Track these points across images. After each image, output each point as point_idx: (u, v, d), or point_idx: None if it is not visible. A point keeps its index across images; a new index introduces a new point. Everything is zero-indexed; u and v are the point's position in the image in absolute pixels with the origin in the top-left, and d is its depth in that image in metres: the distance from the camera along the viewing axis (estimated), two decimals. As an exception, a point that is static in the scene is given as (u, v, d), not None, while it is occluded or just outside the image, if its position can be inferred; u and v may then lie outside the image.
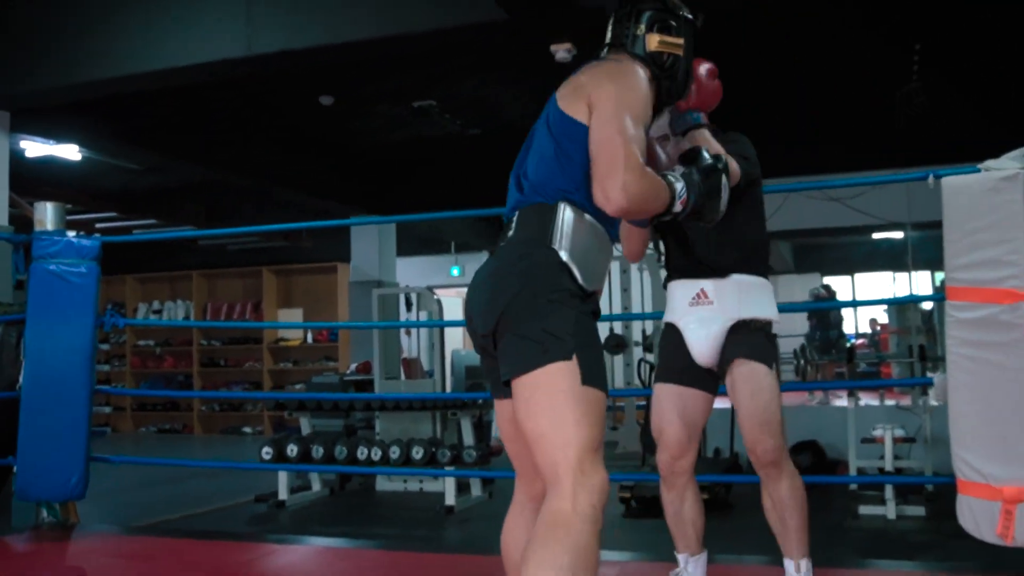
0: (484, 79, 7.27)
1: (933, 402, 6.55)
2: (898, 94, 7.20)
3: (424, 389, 8.46)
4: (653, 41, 2.35)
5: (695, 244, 2.96)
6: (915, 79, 6.95)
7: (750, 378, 2.83)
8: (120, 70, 5.68)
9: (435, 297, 8.41)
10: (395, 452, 7.02)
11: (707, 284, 2.93)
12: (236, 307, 14.39)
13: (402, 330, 10.36)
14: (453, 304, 14.69)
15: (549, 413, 2.02)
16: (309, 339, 13.97)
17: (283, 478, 7.21)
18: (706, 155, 2.39)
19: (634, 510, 6.48)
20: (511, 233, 2.21)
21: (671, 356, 3.01)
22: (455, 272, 13.84)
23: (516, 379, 2.06)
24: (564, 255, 2.13)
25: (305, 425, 7.96)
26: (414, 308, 9.36)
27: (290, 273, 14.34)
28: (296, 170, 9.21)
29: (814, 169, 7.94)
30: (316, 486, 7.69)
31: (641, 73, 2.28)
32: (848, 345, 10.56)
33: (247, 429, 13.86)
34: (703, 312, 2.93)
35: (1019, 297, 3.13)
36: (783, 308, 3.15)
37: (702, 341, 2.93)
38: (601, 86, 2.17)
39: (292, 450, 7.22)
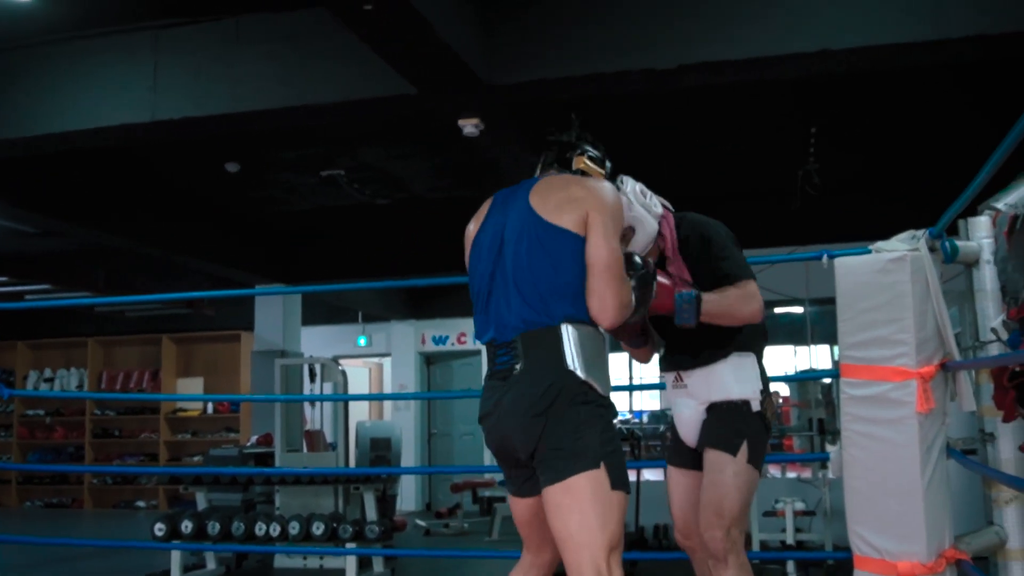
0: (393, 150, 7.29)
1: (831, 476, 6.66)
2: (797, 174, 7.45)
3: (327, 462, 8.27)
4: (580, 162, 2.73)
5: (667, 339, 3.05)
6: (812, 160, 7.21)
7: (712, 467, 2.86)
8: (18, 131, 5.55)
9: (340, 368, 8.29)
10: (295, 528, 6.81)
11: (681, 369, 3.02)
12: (133, 375, 13.95)
13: (306, 401, 10.15)
14: (359, 375, 14.51)
15: (577, 517, 2.29)
16: (209, 409, 13.60)
17: (176, 556, 6.93)
18: (638, 262, 2.60)
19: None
20: (521, 363, 2.39)
21: (673, 438, 3.13)
22: (362, 342, 13.68)
23: (551, 486, 2.32)
24: (582, 374, 2.37)
25: (201, 500, 7.69)
26: (318, 379, 9.20)
27: (191, 341, 13.98)
28: (200, 237, 9.04)
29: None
30: (211, 564, 7.41)
31: (620, 203, 2.58)
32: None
33: (141, 503, 13.33)
34: (680, 395, 3.04)
35: (908, 375, 3.22)
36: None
37: (684, 424, 3.04)
38: (599, 209, 2.44)
39: (187, 526, 6.93)
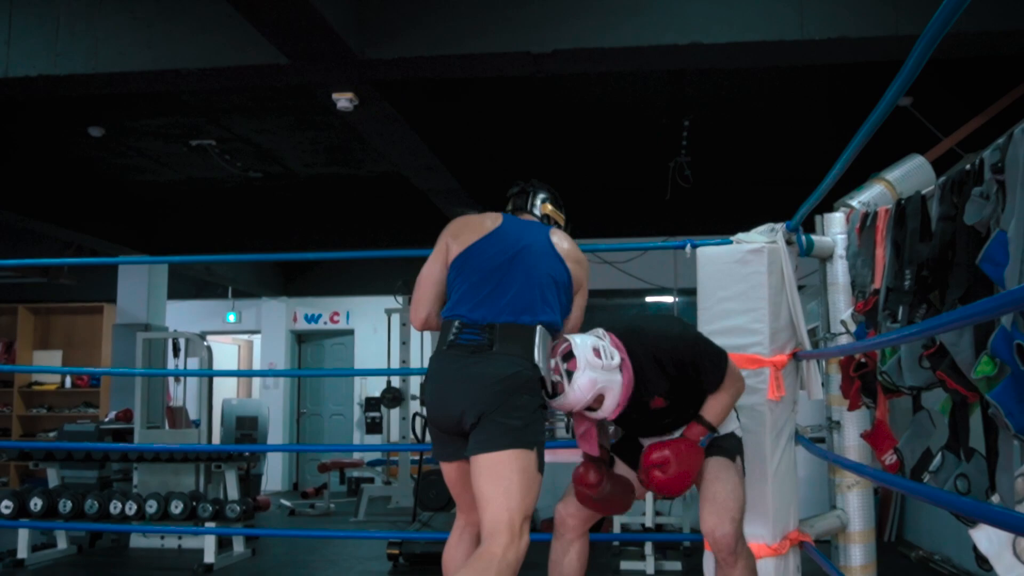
0: (265, 122, 7.11)
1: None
2: (669, 166, 7.61)
3: (189, 440, 8.04)
4: (546, 207, 3.31)
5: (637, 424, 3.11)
6: (684, 153, 7.36)
7: (716, 470, 2.99)
8: None
9: (205, 343, 8.05)
10: (152, 506, 6.62)
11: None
12: (-15, 347, 13.27)
13: (171, 377, 9.83)
14: (228, 351, 14.15)
15: (505, 483, 2.66)
16: (67, 383, 13.04)
17: (24, 535, 6.64)
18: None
19: (402, 567, 6.38)
20: (493, 342, 2.79)
21: (630, 447, 3.15)
22: (231, 318, 13.33)
23: (486, 453, 2.69)
24: (542, 371, 2.79)
25: (53, 477, 7.39)
26: (182, 354, 8.94)
27: (49, 312, 13.37)
28: (60, 203, 8.63)
29: (588, 233, 8.25)
30: (62, 543, 7.13)
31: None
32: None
33: (-10, 480, 12.73)
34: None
35: (762, 363, 3.32)
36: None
37: None
38: (585, 288, 3.11)
39: (36, 504, 6.66)
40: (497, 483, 2.66)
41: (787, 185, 5.89)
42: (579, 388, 2.72)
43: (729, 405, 2.97)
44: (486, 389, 2.73)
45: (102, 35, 4.79)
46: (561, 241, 3.11)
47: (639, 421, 3.06)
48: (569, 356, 2.74)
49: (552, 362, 2.79)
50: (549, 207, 3.33)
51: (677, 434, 2.98)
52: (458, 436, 2.82)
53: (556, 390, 2.76)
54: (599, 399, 2.77)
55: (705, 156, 7.49)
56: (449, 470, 2.95)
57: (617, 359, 2.78)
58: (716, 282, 3.45)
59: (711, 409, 2.93)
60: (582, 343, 2.76)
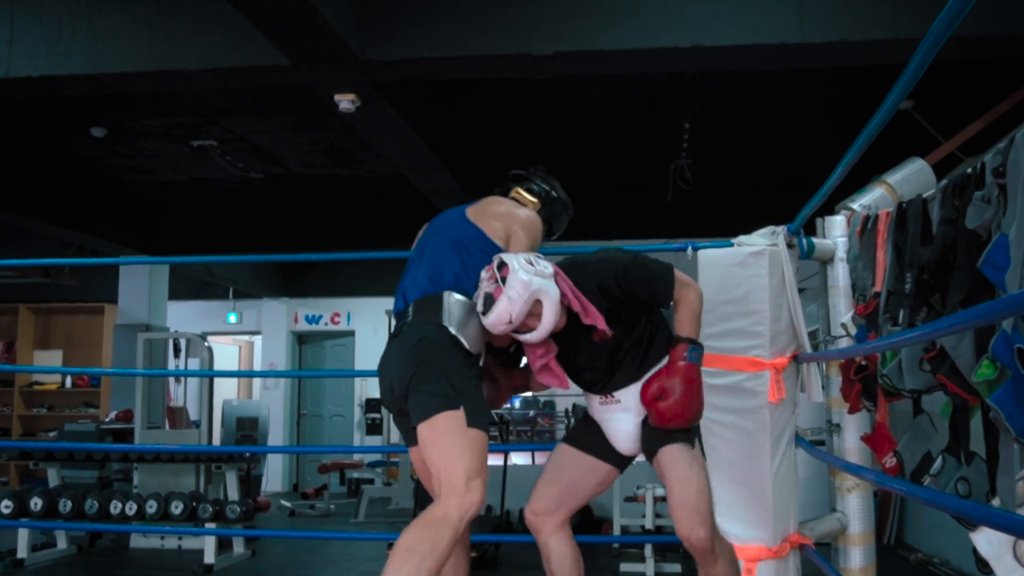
0: (266, 124, 7.11)
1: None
2: (670, 168, 7.60)
3: (189, 440, 8.05)
4: (517, 192, 3.26)
5: (585, 370, 2.92)
6: (684, 155, 7.36)
7: (675, 462, 2.79)
8: None
9: (206, 344, 8.06)
10: (152, 506, 6.62)
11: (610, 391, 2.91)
12: (-15, 347, 13.27)
13: (171, 377, 9.83)
14: (229, 352, 14.15)
15: (441, 447, 2.66)
16: (68, 383, 13.04)
17: (23, 535, 6.64)
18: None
19: (401, 568, 6.38)
20: (409, 319, 2.86)
21: (587, 430, 3.02)
22: (232, 319, 13.33)
23: (420, 424, 2.70)
24: (453, 330, 2.79)
25: (53, 476, 7.39)
26: (183, 354, 8.94)
27: (50, 312, 13.38)
28: (61, 203, 8.64)
29: (588, 235, 8.26)
30: (62, 543, 7.13)
31: (539, 223, 3.16)
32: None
33: (-10, 480, 12.73)
34: (614, 411, 2.91)
35: (762, 366, 3.32)
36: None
37: (619, 435, 2.93)
38: (518, 233, 3.02)
39: (36, 504, 6.67)
40: (434, 449, 2.67)
41: (788, 188, 5.89)
42: (514, 289, 2.65)
43: (695, 310, 2.82)
44: (397, 361, 2.80)
45: (103, 35, 4.79)
46: (475, 206, 3.11)
47: (593, 372, 2.91)
48: (502, 265, 2.72)
49: (484, 275, 2.75)
50: (520, 191, 3.28)
51: (654, 370, 2.84)
52: (406, 416, 2.83)
53: (492, 300, 2.68)
54: (536, 313, 2.70)
55: (706, 158, 7.47)
56: (415, 455, 2.95)
57: (550, 269, 2.76)
58: (717, 285, 3.45)
59: (681, 322, 2.80)
60: (515, 255, 2.77)
